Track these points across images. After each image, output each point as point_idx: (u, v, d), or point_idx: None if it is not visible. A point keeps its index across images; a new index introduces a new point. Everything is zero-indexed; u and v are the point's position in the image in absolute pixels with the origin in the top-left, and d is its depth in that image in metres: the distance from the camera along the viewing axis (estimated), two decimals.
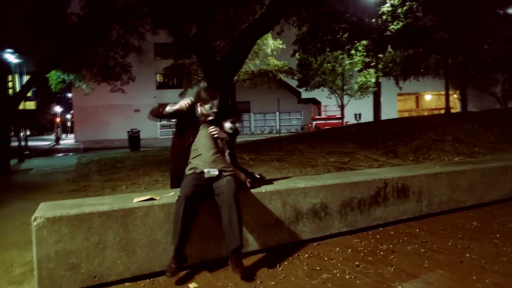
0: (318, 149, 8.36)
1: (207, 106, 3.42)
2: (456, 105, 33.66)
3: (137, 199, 3.11)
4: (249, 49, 12.00)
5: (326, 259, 3.28)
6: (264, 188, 3.43)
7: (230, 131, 3.41)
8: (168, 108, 3.40)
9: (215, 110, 3.44)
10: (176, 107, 3.39)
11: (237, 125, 3.46)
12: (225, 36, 16.74)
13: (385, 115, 24.29)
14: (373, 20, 12.61)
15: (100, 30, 14.96)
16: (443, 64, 17.34)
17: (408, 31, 12.20)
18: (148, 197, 3.15)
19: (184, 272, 3.04)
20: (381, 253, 3.37)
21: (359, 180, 3.83)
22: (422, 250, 3.39)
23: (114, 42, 16.90)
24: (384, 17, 12.69)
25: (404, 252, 3.37)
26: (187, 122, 3.51)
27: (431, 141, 7.78)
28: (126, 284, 2.92)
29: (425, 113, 35.51)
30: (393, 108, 35.59)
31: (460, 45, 13.62)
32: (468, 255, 3.24)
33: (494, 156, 6.42)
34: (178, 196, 3.04)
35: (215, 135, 3.31)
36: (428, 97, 39.95)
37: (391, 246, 3.52)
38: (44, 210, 2.85)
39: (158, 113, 3.45)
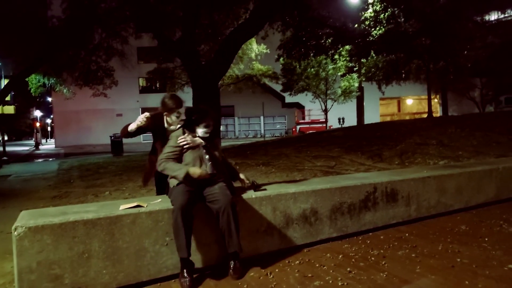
0: (304, 153, 8.36)
1: (173, 116, 3.37)
2: (436, 109, 34.44)
3: (124, 206, 3.00)
4: (234, 53, 11.96)
5: (317, 265, 3.23)
6: (254, 194, 3.37)
7: (207, 135, 3.28)
8: (130, 127, 3.36)
9: (182, 118, 3.38)
10: (134, 125, 3.34)
11: (209, 128, 3.28)
12: (209, 40, 16.67)
13: (368, 119, 24.64)
14: (356, 25, 12.76)
15: (82, 34, 14.68)
16: (425, 69, 17.74)
17: (390, 36, 12.43)
18: (135, 204, 3.04)
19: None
20: (372, 258, 3.34)
21: (349, 184, 3.81)
22: (413, 255, 3.38)
23: (97, 46, 16.60)
24: (367, 22, 12.87)
25: (395, 257, 3.35)
26: (156, 136, 3.51)
27: (415, 145, 7.89)
28: None
29: (407, 117, 36.16)
30: (375, 112, 36.16)
31: (440, 51, 13.94)
32: (459, 260, 3.25)
33: (477, 160, 6.55)
34: (173, 208, 2.94)
35: (185, 146, 3.20)
36: (409, 101, 40.78)
37: (382, 251, 3.51)
38: (26, 219, 2.71)
39: (124, 133, 3.44)
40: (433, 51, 13.87)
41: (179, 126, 3.38)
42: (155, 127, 3.43)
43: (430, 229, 4.09)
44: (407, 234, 3.94)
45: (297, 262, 3.31)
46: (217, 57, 11.36)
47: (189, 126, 3.27)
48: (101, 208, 3.03)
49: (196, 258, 3.07)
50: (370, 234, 3.95)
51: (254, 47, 22.53)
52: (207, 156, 3.22)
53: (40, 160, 21.16)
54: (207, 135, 3.28)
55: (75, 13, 13.97)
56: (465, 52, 15.09)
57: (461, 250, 3.46)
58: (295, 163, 7.42)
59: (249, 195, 3.35)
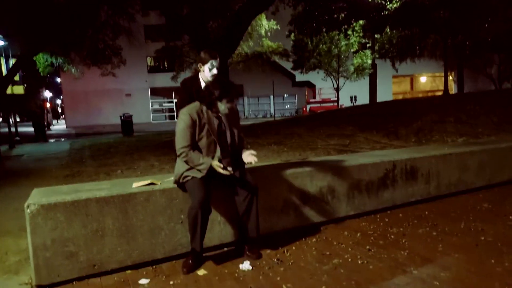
0: (317, 132, 8.20)
1: (206, 67, 3.21)
2: (451, 87, 33.60)
3: (137, 184, 2.92)
4: (245, 29, 11.67)
5: (335, 243, 3.15)
6: (270, 172, 3.26)
7: (226, 111, 2.92)
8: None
9: (215, 72, 3.22)
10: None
11: (233, 104, 2.96)
12: (218, 17, 16.29)
13: (380, 97, 24.15)
14: None
15: (88, 11, 14.43)
16: (442, 44, 17.09)
17: (406, 9, 11.92)
18: (149, 181, 2.96)
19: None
20: (392, 236, 3.25)
21: (367, 162, 3.68)
22: (434, 233, 3.27)
23: (103, 24, 16.37)
24: None
25: (415, 235, 3.25)
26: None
27: (432, 122, 7.66)
28: (128, 272, 2.76)
29: (420, 95, 35.45)
30: (388, 90, 35.45)
31: (460, 24, 13.33)
32: (483, 238, 3.13)
33: (498, 137, 6.32)
34: (191, 204, 2.76)
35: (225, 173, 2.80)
36: (423, 79, 39.82)
37: (401, 229, 3.40)
38: (38, 197, 2.65)
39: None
40: (452, 24, 13.27)
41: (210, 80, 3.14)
42: (195, 92, 3.21)
43: (451, 207, 3.97)
44: (427, 212, 3.82)
45: (314, 240, 3.23)
46: (227, 33, 11.09)
47: (210, 103, 2.86)
48: (114, 186, 2.96)
49: (210, 236, 3.00)
50: (389, 212, 3.85)
51: (264, 23, 21.98)
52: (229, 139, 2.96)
53: (52, 140, 21.37)
54: (227, 111, 2.90)
55: None
56: (486, 25, 14.42)
57: (484, 228, 3.34)
58: (308, 142, 7.28)
59: (266, 173, 3.25)
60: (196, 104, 2.91)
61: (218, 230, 3.08)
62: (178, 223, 2.92)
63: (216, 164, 2.78)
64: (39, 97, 53.56)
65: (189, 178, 2.81)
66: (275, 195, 3.27)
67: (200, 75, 3.33)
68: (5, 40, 15.76)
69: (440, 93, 34.24)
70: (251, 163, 2.94)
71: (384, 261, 2.79)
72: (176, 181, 2.91)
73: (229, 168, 2.79)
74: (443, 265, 2.68)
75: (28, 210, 2.51)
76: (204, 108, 2.88)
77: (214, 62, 3.23)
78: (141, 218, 2.81)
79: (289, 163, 3.82)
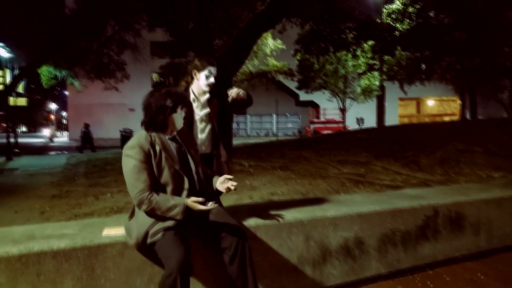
0: (327, 157, 7.56)
1: (203, 75, 2.66)
2: (459, 112, 33.01)
3: (108, 231, 2.30)
4: (250, 47, 11.26)
5: None
6: (281, 218, 2.61)
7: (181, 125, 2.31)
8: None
9: (212, 81, 2.66)
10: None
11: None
12: (223, 34, 16.02)
13: (386, 120, 23.59)
14: (383, 18, 11.82)
15: (95, 25, 14.26)
16: (455, 68, 16.54)
17: (420, 31, 11.45)
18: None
19: None
20: None
21: (403, 207, 3.01)
22: None
23: (109, 39, 16.21)
24: (393, 15, 11.94)
25: None
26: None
27: (457, 151, 6.99)
28: None
29: (426, 119, 34.83)
30: (394, 113, 34.85)
31: (477, 47, 12.82)
32: None
33: None
34: (167, 271, 2.01)
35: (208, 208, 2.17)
36: (430, 102, 39.27)
37: None
38: None
39: None
40: (469, 47, 12.77)
41: (206, 96, 2.68)
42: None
43: (508, 267, 3.25)
44: (479, 274, 3.10)
45: None
46: (232, 50, 10.67)
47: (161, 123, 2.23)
48: (81, 231, 2.35)
49: None
50: (430, 272, 3.12)
51: (270, 42, 21.75)
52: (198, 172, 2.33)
53: (52, 153, 21.07)
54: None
55: (88, 3, 13.54)
56: (506, 49, 13.89)
57: None
58: (317, 169, 6.65)
59: (275, 219, 2.60)
60: (141, 133, 2.24)
61: None
62: None
63: (192, 201, 2.11)
64: (44, 109, 53.82)
65: (159, 235, 2.10)
66: (287, 248, 2.61)
67: (191, 87, 2.75)
68: (11, 52, 15.58)
69: (448, 118, 33.68)
70: (229, 190, 2.29)
71: None
72: (139, 244, 2.16)
73: (210, 203, 2.14)
74: None
75: None
76: (154, 134, 2.22)
77: (213, 70, 2.70)
78: (111, 278, 2.18)
79: (304, 200, 3.19)
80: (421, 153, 6.99)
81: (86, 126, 20.55)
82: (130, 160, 2.13)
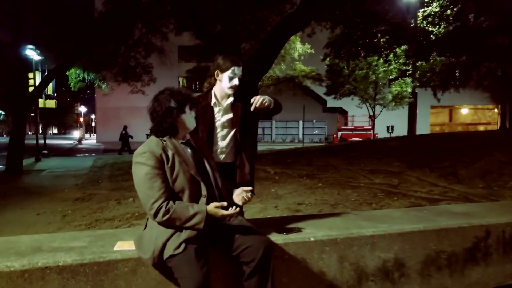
0: (357, 165, 7.16)
1: (226, 75, 2.42)
2: (495, 120, 31.45)
3: (121, 245, 2.06)
4: (278, 50, 10.99)
5: None
6: (312, 236, 2.30)
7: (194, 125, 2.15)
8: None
9: (236, 83, 2.42)
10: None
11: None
12: (251, 38, 15.84)
13: (418, 129, 22.71)
14: (418, 21, 11.28)
15: (122, 28, 14.39)
16: (499, 74, 15.59)
17: (458, 35, 10.83)
18: None
19: None
20: None
21: (451, 226, 2.64)
22: None
23: (136, 42, 16.35)
24: (429, 19, 11.37)
25: None
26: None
27: (500, 163, 6.44)
28: None
29: (459, 128, 33.45)
30: (425, 121, 33.58)
31: None
32: None
33: None
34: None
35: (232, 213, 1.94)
36: (464, 110, 37.66)
37: None
38: None
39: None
40: None
41: (229, 100, 2.47)
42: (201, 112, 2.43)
43: None
44: None
45: None
46: (259, 56, 10.45)
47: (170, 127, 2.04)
48: (92, 242, 2.12)
49: None
50: None
51: (298, 47, 21.38)
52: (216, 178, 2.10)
53: (80, 155, 21.52)
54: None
55: (116, 6, 13.68)
56: None
57: None
58: (346, 178, 6.27)
59: (305, 237, 2.29)
60: (152, 138, 2.05)
61: None
62: None
63: (214, 206, 1.88)
64: (73, 112, 55.54)
65: (180, 249, 1.85)
66: (318, 270, 2.30)
67: (213, 90, 2.51)
68: (41, 54, 15.97)
69: (482, 127, 32.15)
70: (245, 202, 2.07)
71: None
72: (155, 260, 1.90)
73: (233, 207, 1.91)
74: None
75: None
76: (166, 138, 2.02)
77: (237, 70, 2.45)
78: None
79: (335, 215, 2.86)
80: (459, 164, 6.49)
81: (125, 128, 21.10)
82: (141, 167, 1.93)
